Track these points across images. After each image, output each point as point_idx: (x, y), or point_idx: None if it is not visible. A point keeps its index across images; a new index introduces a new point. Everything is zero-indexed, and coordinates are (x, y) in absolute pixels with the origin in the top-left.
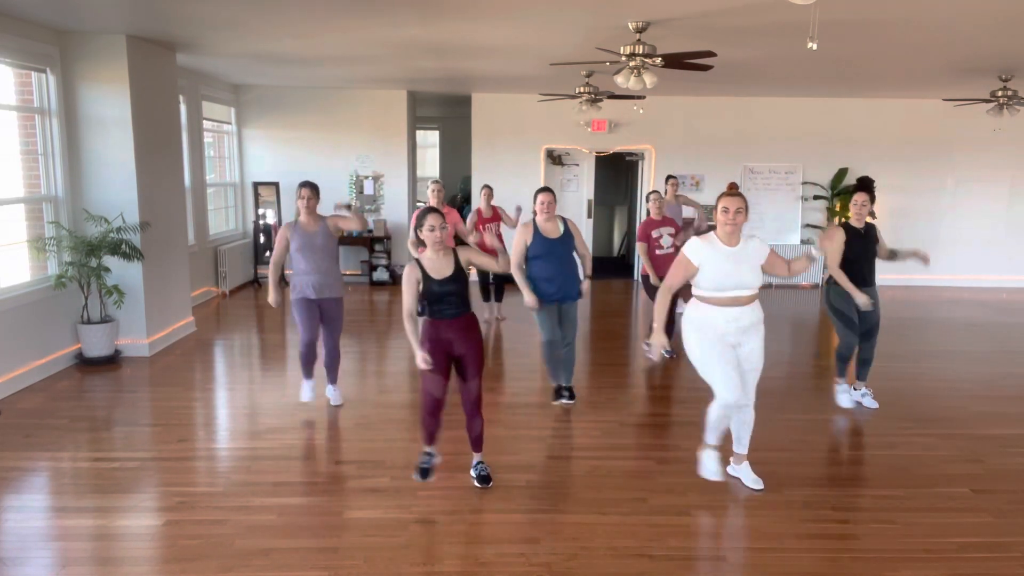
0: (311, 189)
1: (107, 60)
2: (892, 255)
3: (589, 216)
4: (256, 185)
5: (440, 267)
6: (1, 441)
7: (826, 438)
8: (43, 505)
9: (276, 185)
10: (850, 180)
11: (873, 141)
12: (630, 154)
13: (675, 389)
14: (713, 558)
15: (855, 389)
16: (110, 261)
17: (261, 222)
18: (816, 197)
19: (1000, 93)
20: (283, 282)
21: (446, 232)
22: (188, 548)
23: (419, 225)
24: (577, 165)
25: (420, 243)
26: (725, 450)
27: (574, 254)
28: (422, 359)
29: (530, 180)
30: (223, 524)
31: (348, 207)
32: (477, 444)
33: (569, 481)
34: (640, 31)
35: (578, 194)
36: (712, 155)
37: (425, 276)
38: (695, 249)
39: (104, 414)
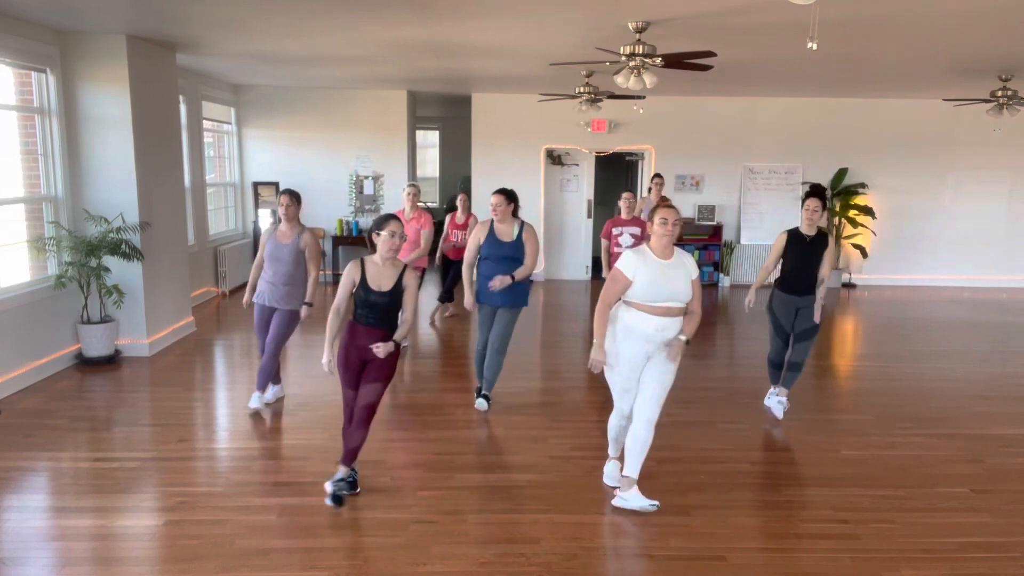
0: (289, 196)
1: (107, 60)
2: (819, 281)
3: (589, 216)
4: (256, 185)
5: (381, 277)
6: (1, 441)
7: (826, 438)
8: (43, 505)
9: (276, 185)
10: (850, 180)
11: (873, 141)
12: (630, 154)
13: (675, 389)
14: (713, 558)
15: (775, 392)
16: (110, 261)
17: (261, 223)
18: None
19: (1000, 93)
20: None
21: (402, 243)
22: (188, 548)
23: (378, 227)
24: (577, 165)
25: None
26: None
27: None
28: (326, 364)
29: (530, 180)
30: (223, 524)
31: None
32: (348, 456)
33: (569, 481)
34: (640, 31)
35: (578, 194)
36: (712, 155)
37: (363, 281)
38: (628, 263)
39: (104, 414)
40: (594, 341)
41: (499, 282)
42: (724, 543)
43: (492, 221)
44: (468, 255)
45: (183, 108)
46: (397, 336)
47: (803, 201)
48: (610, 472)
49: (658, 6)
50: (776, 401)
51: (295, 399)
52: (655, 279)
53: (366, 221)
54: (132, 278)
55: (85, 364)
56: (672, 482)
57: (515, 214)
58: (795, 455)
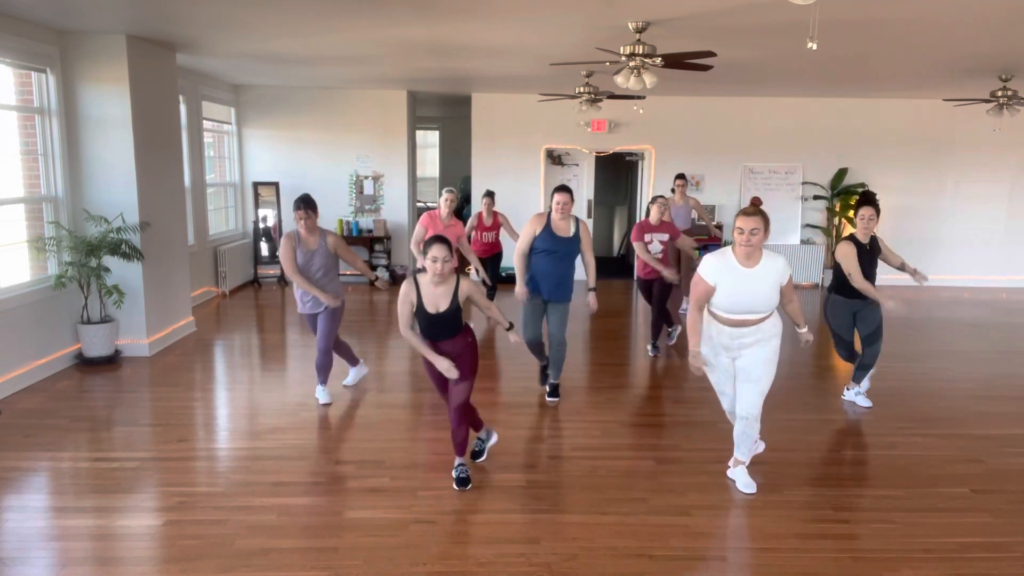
0: (306, 209)
1: (107, 60)
2: (902, 266)
3: (589, 216)
4: (256, 185)
5: (436, 299)
6: (1, 441)
7: (826, 438)
8: (43, 505)
9: (276, 185)
10: (850, 180)
11: (873, 141)
12: (630, 154)
13: (675, 389)
14: (713, 558)
15: (848, 388)
16: (110, 261)
17: (261, 224)
18: (816, 197)
19: (1000, 93)
20: (283, 282)
21: (449, 266)
22: (188, 548)
23: (424, 251)
24: (577, 165)
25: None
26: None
27: (578, 259)
28: (448, 367)
29: (530, 180)
30: (223, 524)
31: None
32: (459, 448)
33: (569, 481)
34: (640, 31)
35: (578, 194)
36: (712, 155)
37: (419, 303)
38: (710, 268)
39: (104, 414)
40: (690, 348)
41: (593, 301)
42: (724, 543)
43: (548, 215)
44: (522, 245)
45: (183, 108)
46: (501, 321)
47: (856, 209)
48: (738, 478)
49: (658, 6)
50: (854, 394)
51: (295, 399)
52: (736, 288)
53: (366, 221)
54: (132, 278)
55: (85, 364)
56: (672, 482)
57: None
58: (795, 455)
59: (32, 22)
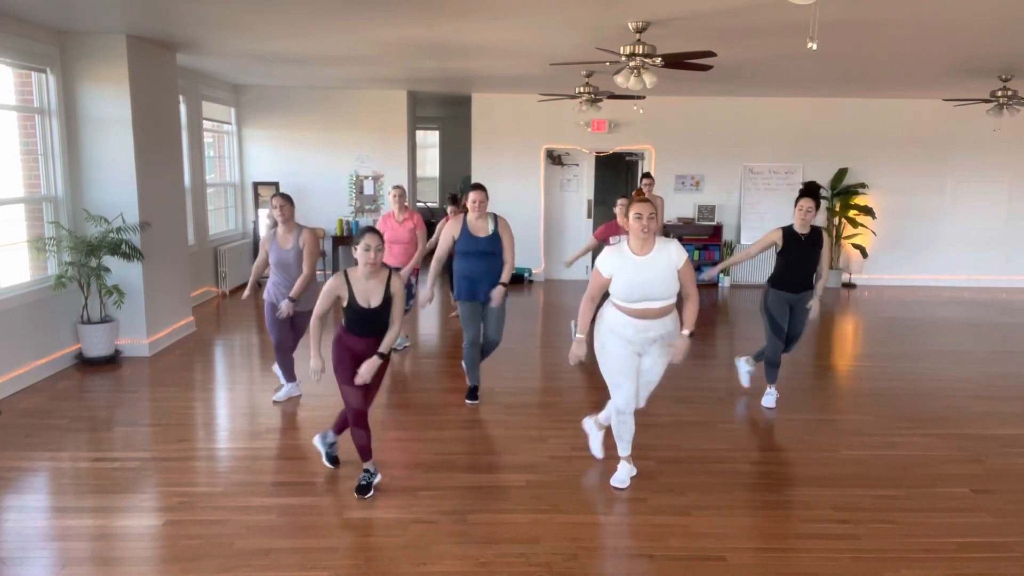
0: (282, 198)
1: (107, 60)
2: (817, 276)
3: (589, 216)
4: (256, 185)
5: (368, 292)
6: (1, 441)
7: (826, 438)
8: (43, 505)
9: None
10: (850, 180)
11: (873, 141)
12: (630, 154)
13: (675, 389)
14: (713, 558)
15: (746, 361)
16: (110, 261)
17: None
18: None
19: (1000, 93)
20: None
21: (381, 255)
22: (188, 548)
23: (355, 242)
24: (577, 165)
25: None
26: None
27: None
28: (313, 371)
29: (530, 180)
30: (223, 524)
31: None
32: (364, 453)
33: (569, 481)
34: (640, 31)
35: (578, 194)
36: (712, 155)
37: (351, 297)
38: (605, 260)
39: (104, 414)
40: (576, 336)
41: (497, 295)
42: (724, 543)
43: (464, 216)
44: (441, 251)
45: (183, 108)
46: (383, 348)
47: (796, 201)
48: (622, 476)
49: (658, 6)
50: (774, 398)
51: (295, 399)
52: (630, 278)
53: (366, 221)
54: (132, 278)
55: (85, 364)
56: (672, 482)
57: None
58: (795, 455)
59: (32, 22)
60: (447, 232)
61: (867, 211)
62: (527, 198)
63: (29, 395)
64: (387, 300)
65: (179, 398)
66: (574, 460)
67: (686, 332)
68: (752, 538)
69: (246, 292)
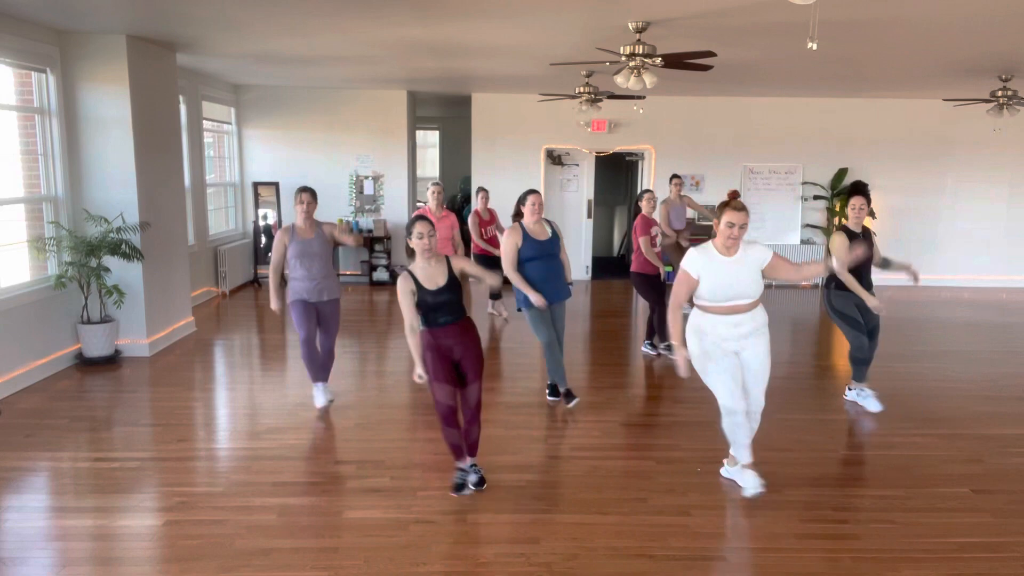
0: (311, 194)
1: (107, 60)
2: (885, 263)
3: (589, 216)
4: (256, 185)
5: (432, 276)
6: (1, 441)
7: (826, 438)
8: (43, 505)
9: (276, 185)
10: (850, 180)
11: (873, 141)
12: (630, 154)
13: (675, 389)
14: (713, 558)
15: (849, 388)
16: (110, 261)
17: (261, 222)
18: (816, 197)
19: (1000, 93)
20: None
21: (435, 240)
22: (188, 548)
23: (408, 233)
24: (577, 165)
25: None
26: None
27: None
28: (417, 375)
29: (530, 180)
30: (223, 524)
31: (349, 231)
32: (473, 449)
33: (569, 481)
34: (640, 31)
35: (578, 194)
36: (712, 155)
37: (419, 286)
38: (693, 261)
39: (104, 414)
40: (672, 343)
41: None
42: (724, 543)
43: (521, 224)
44: (510, 260)
45: (183, 108)
46: (494, 284)
47: (847, 200)
48: (744, 480)
49: (658, 6)
50: (868, 395)
51: (295, 399)
52: (719, 278)
53: (366, 221)
54: (132, 278)
55: (85, 364)
56: (672, 482)
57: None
58: (795, 455)
59: (32, 22)
60: (511, 242)
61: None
62: None
63: (29, 395)
64: (453, 280)
65: (179, 398)
66: (574, 460)
67: (834, 264)
68: (752, 538)
69: (273, 300)
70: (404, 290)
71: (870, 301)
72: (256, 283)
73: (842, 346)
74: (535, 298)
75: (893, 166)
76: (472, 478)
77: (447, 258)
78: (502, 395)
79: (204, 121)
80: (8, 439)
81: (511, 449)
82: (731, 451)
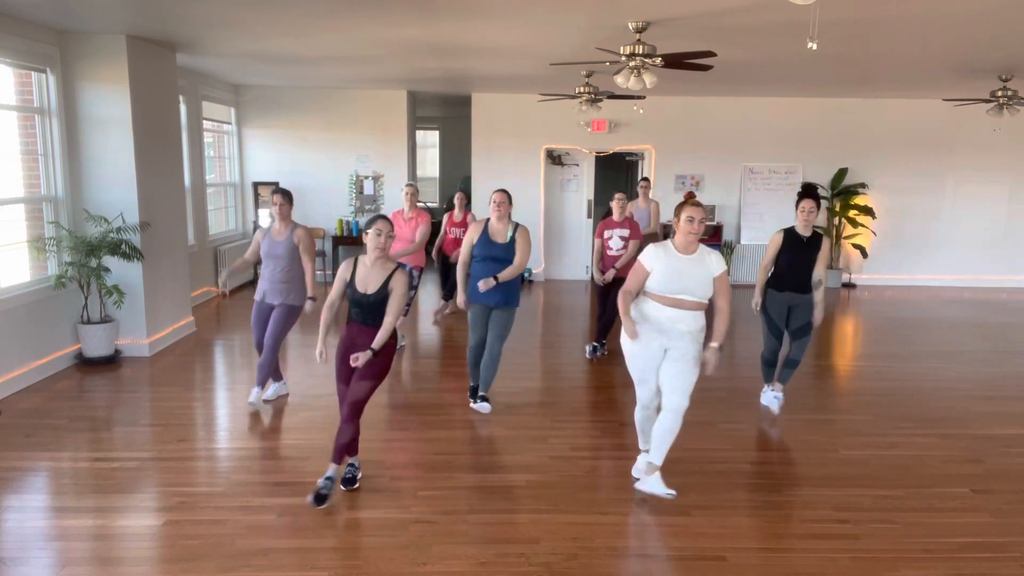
0: (282, 195)
1: (107, 60)
2: (817, 283)
3: (589, 216)
4: (256, 185)
5: (368, 278)
6: (1, 441)
7: (826, 438)
8: (43, 505)
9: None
10: (850, 180)
11: (873, 141)
12: (630, 154)
13: None
14: (713, 558)
15: (771, 389)
16: (110, 261)
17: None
18: None
19: (1000, 93)
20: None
21: (391, 241)
22: (188, 548)
23: (367, 226)
24: (577, 165)
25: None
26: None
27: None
28: (319, 352)
29: (530, 180)
30: (223, 524)
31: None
32: (338, 454)
33: (569, 481)
34: (640, 31)
35: (578, 194)
36: (712, 155)
37: (351, 281)
38: (649, 256)
39: (104, 414)
40: (622, 321)
41: (484, 284)
42: (724, 543)
43: (487, 221)
44: (463, 255)
45: (183, 108)
46: (375, 344)
47: (798, 202)
48: (639, 465)
49: (658, 6)
50: (772, 396)
51: (295, 399)
52: (670, 271)
53: (366, 221)
54: (132, 278)
55: (85, 364)
56: (672, 482)
57: (509, 216)
58: (795, 455)
59: (32, 22)
60: (468, 237)
61: (867, 211)
62: (527, 198)
63: (29, 395)
64: (382, 291)
65: (179, 398)
66: (574, 460)
67: (715, 344)
68: (752, 538)
69: (223, 277)
70: (340, 275)
71: (755, 297)
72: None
73: (842, 345)
74: (459, 298)
75: (893, 166)
76: (319, 482)
77: (395, 269)
78: (502, 396)
79: (204, 121)
80: (8, 439)
81: (511, 449)
82: (640, 444)
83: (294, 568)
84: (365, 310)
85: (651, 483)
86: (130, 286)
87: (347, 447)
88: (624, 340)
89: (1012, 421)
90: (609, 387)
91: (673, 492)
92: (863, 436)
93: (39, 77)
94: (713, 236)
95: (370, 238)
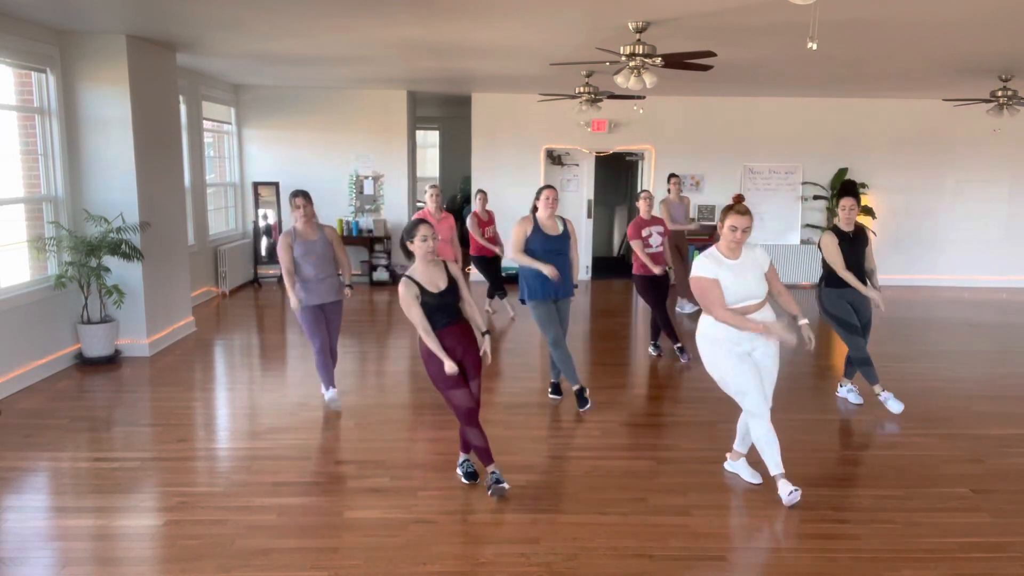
0: (304, 198)
1: (107, 60)
2: (870, 274)
3: (589, 216)
4: (256, 185)
5: (434, 279)
6: (1, 441)
7: (826, 438)
8: (43, 505)
9: (276, 185)
10: (850, 180)
11: (873, 141)
12: (630, 154)
13: (676, 389)
14: (713, 558)
15: (841, 385)
16: (110, 261)
17: (261, 223)
18: (816, 197)
19: (1000, 93)
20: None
21: (437, 243)
22: (188, 548)
23: (410, 236)
24: (577, 165)
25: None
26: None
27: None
28: (450, 366)
29: (530, 180)
30: (223, 524)
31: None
32: (488, 454)
33: (569, 481)
34: (640, 31)
35: (578, 194)
36: (712, 155)
37: (422, 290)
38: (706, 267)
39: (104, 414)
40: (761, 328)
41: (551, 272)
42: (724, 543)
43: (534, 217)
44: (518, 245)
45: (183, 108)
46: (482, 326)
47: (838, 201)
48: (785, 494)
49: (658, 6)
50: (847, 390)
51: (295, 399)
52: (729, 280)
53: (366, 221)
54: (132, 278)
55: (85, 364)
56: (672, 482)
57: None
58: (795, 455)
59: (32, 22)
60: (520, 230)
61: (867, 211)
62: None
63: (29, 395)
64: (452, 283)
65: (179, 398)
66: (574, 460)
67: (805, 321)
68: (752, 538)
69: (293, 299)
70: (409, 296)
71: (871, 293)
72: (256, 283)
73: (842, 345)
74: (547, 269)
75: (893, 166)
76: (489, 481)
77: (444, 263)
78: (502, 395)
79: (204, 121)
80: (8, 439)
81: (511, 449)
82: (771, 470)
83: (294, 568)
84: (445, 308)
85: (739, 466)
86: (130, 286)
87: (486, 447)
88: (712, 364)
89: (1012, 421)
90: (609, 387)
91: (759, 479)
92: (863, 436)
93: (39, 77)
94: (713, 236)
95: (418, 246)
